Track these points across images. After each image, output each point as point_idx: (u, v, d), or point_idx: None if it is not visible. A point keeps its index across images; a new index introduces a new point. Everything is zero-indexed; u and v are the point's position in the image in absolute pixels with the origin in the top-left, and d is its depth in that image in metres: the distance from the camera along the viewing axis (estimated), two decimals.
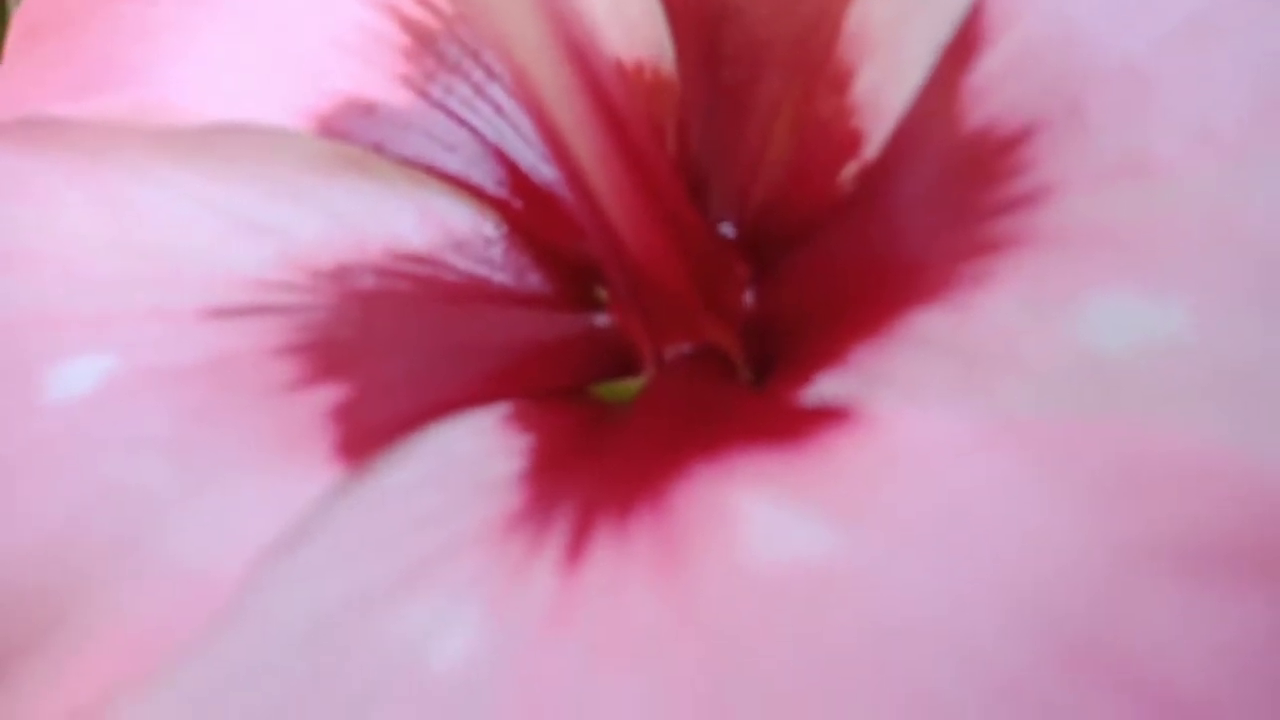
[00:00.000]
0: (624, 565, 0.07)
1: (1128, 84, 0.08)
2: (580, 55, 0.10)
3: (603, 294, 0.11)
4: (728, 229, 0.11)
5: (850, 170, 0.10)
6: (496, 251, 0.11)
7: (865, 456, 0.07)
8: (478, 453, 0.09)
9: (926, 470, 0.07)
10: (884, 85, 0.10)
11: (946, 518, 0.06)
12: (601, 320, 0.11)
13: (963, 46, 0.09)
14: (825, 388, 0.08)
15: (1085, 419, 0.07)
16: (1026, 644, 0.06)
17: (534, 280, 0.11)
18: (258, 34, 0.11)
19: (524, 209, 0.11)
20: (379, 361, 0.10)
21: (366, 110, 0.11)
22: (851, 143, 0.10)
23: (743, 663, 0.07)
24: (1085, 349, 0.07)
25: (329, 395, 0.09)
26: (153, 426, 0.08)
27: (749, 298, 0.11)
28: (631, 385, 0.11)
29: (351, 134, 0.11)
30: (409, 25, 0.11)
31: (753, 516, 0.08)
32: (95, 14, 0.12)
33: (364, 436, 0.09)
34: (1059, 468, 0.06)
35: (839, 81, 0.10)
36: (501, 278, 0.11)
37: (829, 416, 0.08)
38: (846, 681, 0.06)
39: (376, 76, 0.11)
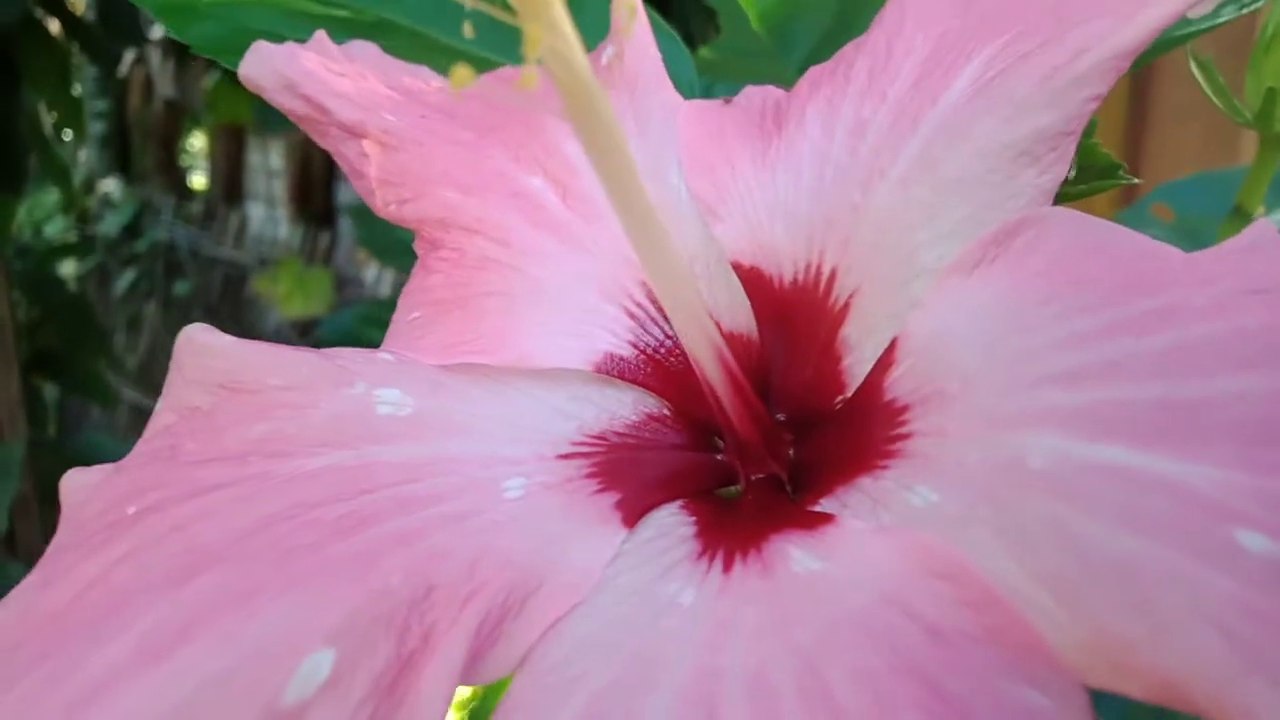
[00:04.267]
0: (746, 572, 0.19)
1: (961, 383, 0.20)
2: (714, 330, 0.22)
3: (720, 444, 0.24)
4: (781, 417, 0.24)
5: (840, 399, 0.22)
6: (670, 423, 0.24)
7: (836, 534, 0.19)
8: (674, 523, 0.21)
9: (858, 542, 0.19)
10: (856, 364, 0.22)
11: (863, 562, 0.18)
12: (720, 458, 0.23)
13: (886, 359, 0.21)
14: (823, 505, 0.20)
15: (923, 536, 0.18)
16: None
17: (688, 438, 0.24)
18: (558, 321, 0.23)
19: (683, 403, 0.24)
20: (628, 480, 0.22)
21: (612, 358, 0.23)
22: (841, 387, 0.22)
23: (787, 614, 0.19)
24: (916, 509, 0.18)
25: (613, 497, 0.21)
26: (549, 507, 0.21)
27: (792, 453, 0.23)
28: (734, 490, 0.23)
29: (606, 370, 0.23)
30: (632, 314, 0.24)
31: (792, 555, 0.20)
32: (465, 307, 0.24)
33: (630, 518, 0.21)
34: (902, 560, 0.18)
35: (836, 358, 0.23)
36: (673, 437, 0.23)
37: (823, 518, 0.20)
38: (824, 641, 0.18)
39: (617, 341, 0.24)
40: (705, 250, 0.24)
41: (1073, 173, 0.22)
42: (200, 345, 0.22)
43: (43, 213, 3.18)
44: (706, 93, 0.51)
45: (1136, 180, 0.26)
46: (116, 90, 3.26)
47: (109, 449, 2.16)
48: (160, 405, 0.24)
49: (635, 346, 0.24)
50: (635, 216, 0.18)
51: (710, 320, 0.22)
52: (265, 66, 0.27)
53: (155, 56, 3.33)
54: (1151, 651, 0.14)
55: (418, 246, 0.25)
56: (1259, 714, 0.13)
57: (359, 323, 1.28)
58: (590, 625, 0.18)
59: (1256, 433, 0.16)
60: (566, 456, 0.22)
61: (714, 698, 0.16)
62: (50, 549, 0.22)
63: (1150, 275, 0.19)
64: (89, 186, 3.37)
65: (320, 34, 0.28)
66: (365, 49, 0.29)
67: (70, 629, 0.19)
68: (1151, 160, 1.22)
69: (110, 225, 3.13)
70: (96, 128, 3.24)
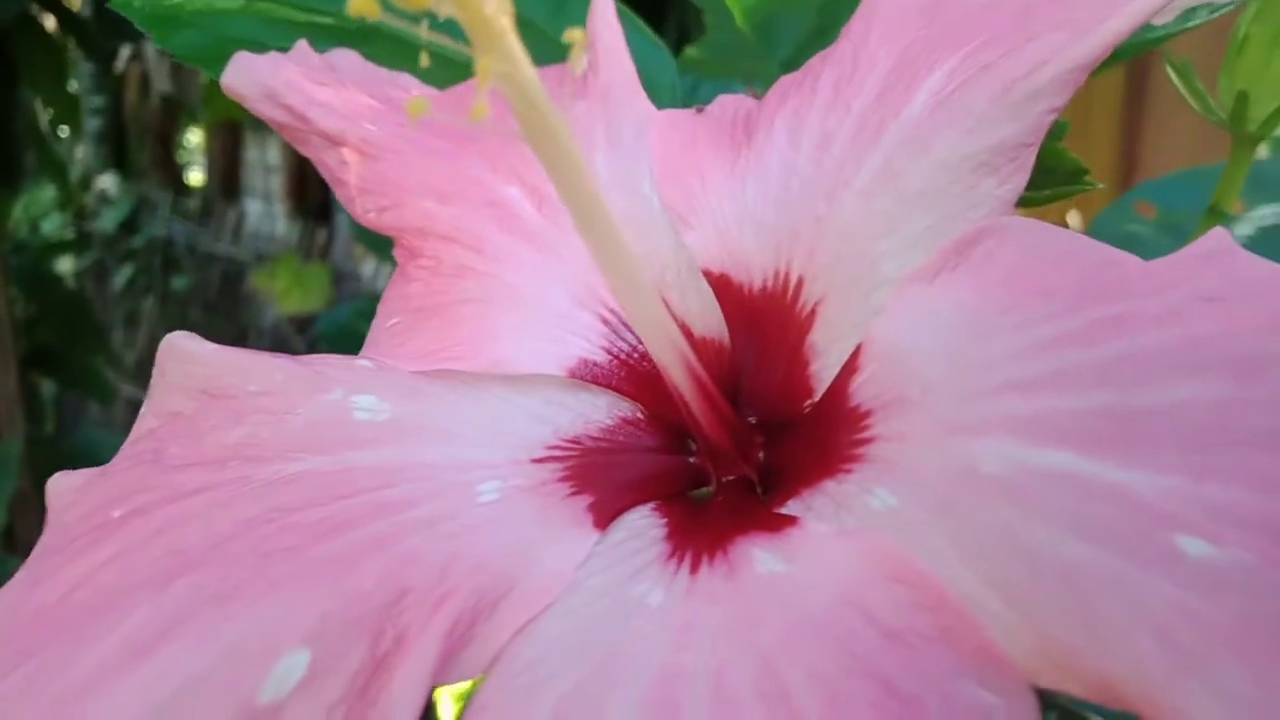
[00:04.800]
0: (712, 574, 0.20)
1: (921, 390, 0.21)
2: (684, 336, 0.23)
3: (693, 447, 0.24)
4: (752, 419, 0.24)
5: (808, 403, 0.23)
6: (644, 427, 0.24)
7: (799, 537, 0.20)
8: (645, 525, 0.22)
9: (820, 545, 0.19)
10: (823, 370, 0.23)
11: (824, 565, 0.19)
12: (693, 460, 0.24)
13: (851, 365, 0.21)
14: (789, 507, 0.21)
15: (883, 539, 0.19)
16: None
17: (661, 441, 0.24)
18: (533, 328, 0.24)
19: (657, 406, 0.24)
20: (601, 483, 0.22)
21: (586, 363, 0.24)
22: (809, 392, 0.23)
23: (750, 615, 0.19)
24: (876, 512, 0.19)
25: (586, 499, 0.22)
26: (523, 510, 0.21)
27: (762, 455, 0.23)
28: (706, 492, 0.24)
29: (580, 375, 0.24)
30: (606, 320, 0.24)
31: (756, 556, 0.20)
32: (443, 314, 0.25)
33: (602, 520, 0.21)
34: (861, 563, 0.18)
35: (804, 363, 0.23)
36: (647, 440, 0.24)
37: (787, 520, 0.20)
38: (783, 641, 0.18)
39: (591, 347, 0.24)
40: (676, 258, 0.24)
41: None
42: (182, 352, 0.23)
43: (39, 209, 3.18)
44: (691, 91, 0.52)
45: (1099, 186, 0.26)
46: (113, 86, 3.25)
47: (107, 445, 2.16)
48: (144, 410, 0.24)
49: (609, 352, 0.24)
50: (597, 234, 0.19)
51: (676, 330, 0.22)
52: (247, 77, 0.27)
53: (151, 52, 3.33)
54: (1092, 655, 0.15)
55: (397, 254, 0.26)
56: (1192, 715, 0.14)
57: (356, 318, 1.29)
58: (560, 626, 0.19)
59: (1200, 439, 0.16)
60: (541, 460, 0.22)
61: (677, 698, 0.17)
62: (36, 550, 0.23)
63: (1106, 283, 0.19)
64: (86, 183, 3.36)
65: (302, 44, 0.28)
66: (347, 57, 0.29)
67: (57, 628, 0.20)
68: (1148, 150, 1.22)
69: (107, 221, 3.13)
70: (93, 124, 3.24)
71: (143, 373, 3.11)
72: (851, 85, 0.23)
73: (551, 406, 0.23)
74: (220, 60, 0.32)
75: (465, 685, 0.27)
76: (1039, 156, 0.24)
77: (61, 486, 0.23)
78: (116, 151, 3.40)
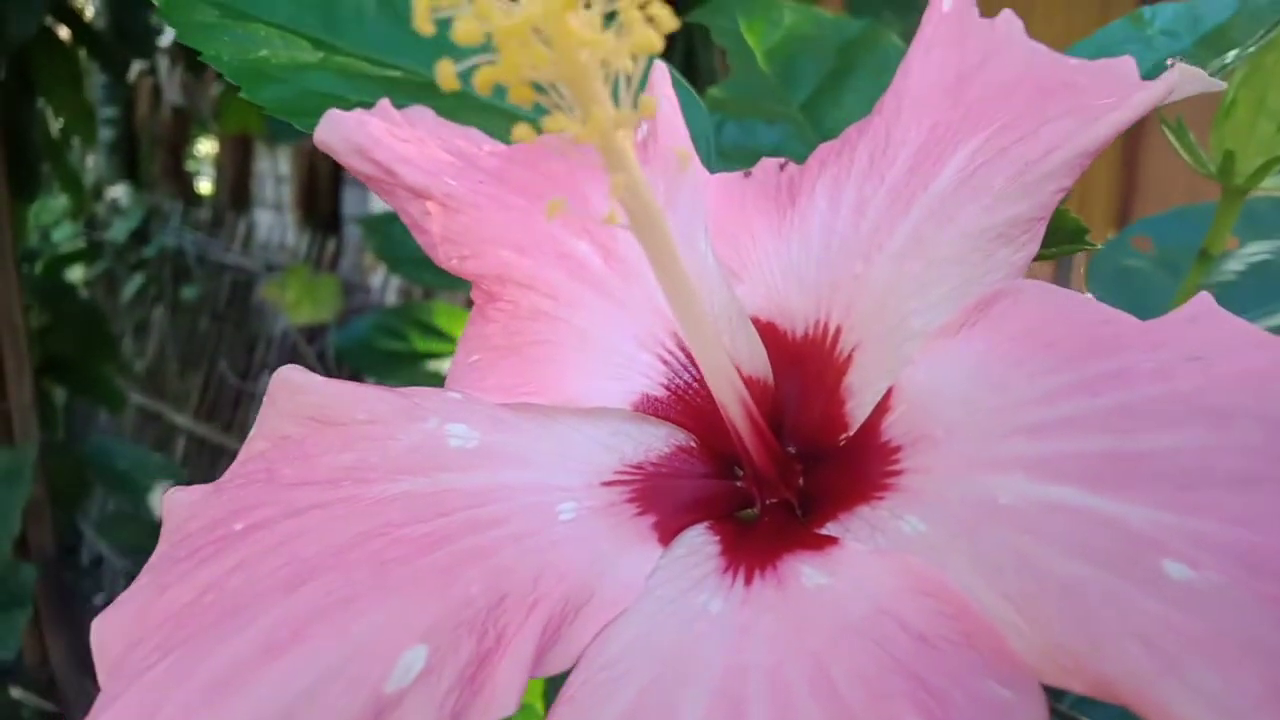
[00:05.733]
0: (764, 585, 0.23)
1: (945, 431, 0.24)
2: (737, 377, 0.26)
3: (739, 473, 0.27)
4: (793, 450, 0.27)
5: (844, 437, 0.26)
6: (696, 455, 0.27)
7: (839, 555, 0.23)
8: (701, 542, 0.25)
9: (859, 562, 0.22)
10: (857, 408, 0.26)
11: (863, 580, 0.22)
12: (739, 485, 0.27)
13: (883, 405, 0.25)
14: (828, 529, 0.24)
15: (912, 559, 0.22)
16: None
17: (711, 467, 0.27)
18: (600, 366, 0.27)
19: (708, 437, 0.27)
20: (662, 504, 0.26)
21: (647, 398, 0.27)
22: (845, 426, 0.26)
23: (799, 621, 0.22)
24: (906, 535, 0.22)
25: (651, 519, 0.25)
26: (597, 528, 0.24)
27: (801, 482, 0.27)
28: (751, 513, 0.27)
29: (642, 408, 0.27)
30: (665, 360, 0.27)
31: (803, 571, 0.23)
32: (520, 353, 0.28)
33: (664, 537, 0.25)
34: (895, 578, 0.21)
35: (840, 402, 0.26)
36: (699, 466, 0.27)
37: (829, 540, 0.23)
38: (830, 643, 0.22)
39: (651, 384, 0.27)
40: (728, 307, 0.28)
41: None
42: (294, 383, 0.26)
43: (49, 217, 3.21)
44: (716, 130, 0.55)
45: (1098, 246, 0.30)
46: (125, 97, 3.29)
47: (118, 452, 2.19)
48: (253, 434, 0.27)
49: (667, 388, 0.27)
50: (681, 298, 0.22)
51: (734, 370, 0.25)
52: (336, 133, 0.31)
53: (163, 64, 3.37)
54: (1091, 658, 0.18)
55: (475, 295, 0.29)
56: (1174, 709, 0.17)
57: (373, 332, 1.32)
58: (636, 629, 0.22)
59: (1184, 480, 0.19)
60: (610, 484, 0.25)
61: (740, 691, 0.20)
62: (157, 557, 0.26)
63: (1106, 341, 0.22)
64: (97, 192, 3.40)
65: (384, 101, 0.32)
66: (423, 114, 0.32)
67: (193, 627, 0.23)
68: (1149, 171, 1.26)
69: (118, 231, 3.16)
70: (105, 134, 3.27)
71: (152, 381, 3.14)
72: (885, 158, 0.26)
73: (618, 436, 0.26)
74: (303, 112, 0.36)
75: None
76: None
77: (178, 501, 0.26)
78: (128, 162, 3.44)
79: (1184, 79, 0.24)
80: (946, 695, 0.19)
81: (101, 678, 0.24)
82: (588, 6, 0.19)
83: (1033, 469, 0.21)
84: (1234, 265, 0.60)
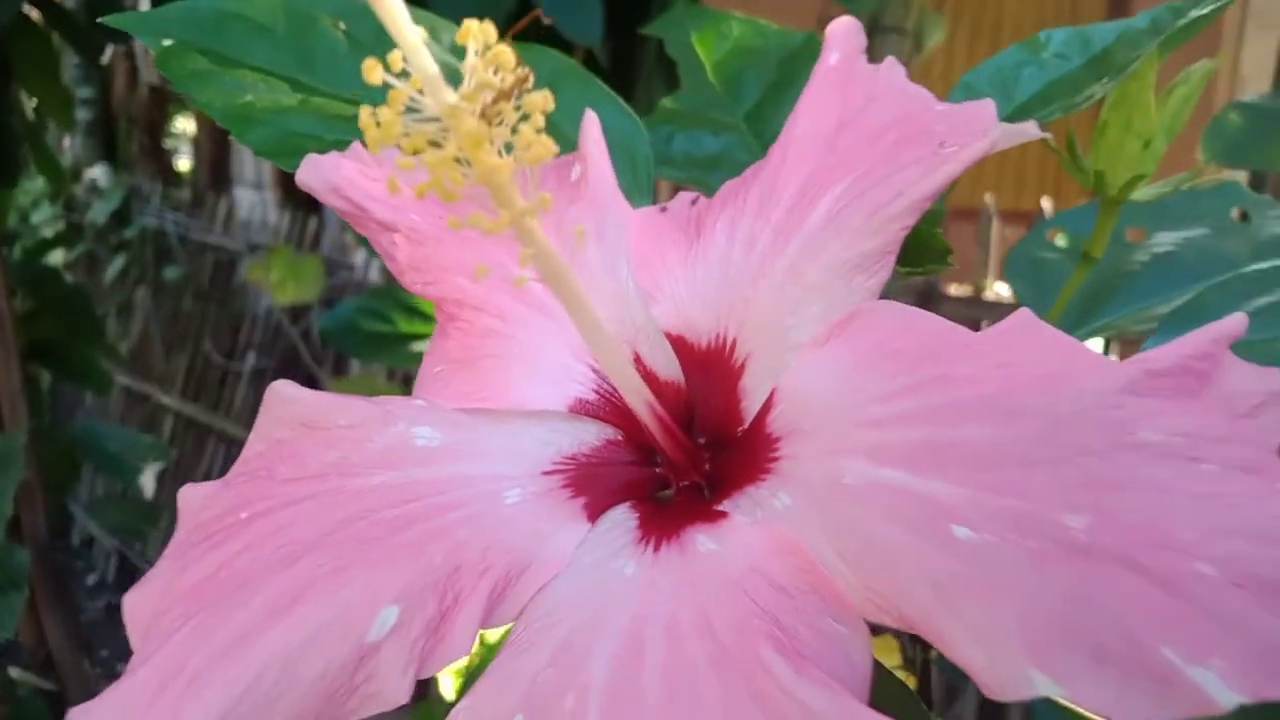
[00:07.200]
0: (669, 552, 0.28)
1: (811, 424, 0.30)
2: (650, 381, 0.32)
3: (659, 461, 0.33)
4: (703, 440, 0.33)
5: (740, 429, 0.32)
6: (622, 446, 0.33)
7: (727, 526, 0.29)
8: (623, 518, 0.31)
9: (740, 531, 0.28)
10: (750, 406, 0.32)
11: (741, 545, 0.28)
12: (658, 471, 0.33)
13: (769, 404, 0.30)
14: (724, 505, 0.30)
15: (780, 528, 0.28)
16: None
17: (635, 457, 0.33)
18: (542, 375, 0.33)
19: (632, 431, 0.33)
20: (592, 489, 0.31)
21: (581, 401, 0.33)
22: (741, 421, 0.32)
23: (692, 579, 0.28)
24: (778, 510, 0.28)
25: (581, 500, 0.31)
26: (537, 509, 0.30)
27: (709, 467, 0.32)
28: (669, 494, 0.33)
29: (576, 409, 0.33)
30: (594, 369, 0.33)
31: (699, 539, 0.29)
32: (475, 366, 0.33)
33: (593, 515, 0.30)
34: (764, 543, 0.27)
35: (737, 400, 0.32)
36: (625, 456, 0.33)
37: (722, 514, 0.29)
38: (713, 596, 0.27)
39: (584, 389, 0.33)
40: (646, 324, 0.33)
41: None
42: (285, 395, 0.32)
43: (27, 199, 3.21)
44: (667, 141, 0.60)
45: (955, 266, 0.35)
46: (101, 77, 3.28)
47: (106, 434, 2.23)
48: (252, 437, 0.33)
49: (597, 392, 0.33)
50: (585, 322, 0.28)
51: (642, 382, 0.31)
52: (315, 174, 0.36)
53: (139, 43, 3.36)
54: (896, 599, 0.24)
55: (438, 315, 0.35)
56: (952, 638, 0.23)
57: (358, 314, 1.37)
58: (565, 589, 0.28)
59: (978, 463, 0.25)
60: (549, 473, 0.31)
61: (643, 634, 0.26)
62: (176, 541, 0.32)
63: (938, 350, 0.28)
64: (75, 174, 3.40)
65: (356, 144, 0.37)
66: (392, 155, 0.37)
67: (209, 598, 0.28)
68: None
69: (99, 213, 3.17)
70: (82, 115, 3.26)
71: (136, 362, 3.18)
72: (771, 199, 0.32)
73: (556, 433, 0.32)
74: (286, 153, 0.41)
75: (462, 662, 0.36)
76: (919, 237, 0.33)
77: (193, 494, 0.32)
78: (105, 142, 3.43)
79: (1006, 135, 0.30)
80: (795, 630, 0.24)
81: (134, 641, 0.30)
82: (498, 124, 0.25)
83: (870, 455, 0.26)
84: (1140, 255, 0.66)
